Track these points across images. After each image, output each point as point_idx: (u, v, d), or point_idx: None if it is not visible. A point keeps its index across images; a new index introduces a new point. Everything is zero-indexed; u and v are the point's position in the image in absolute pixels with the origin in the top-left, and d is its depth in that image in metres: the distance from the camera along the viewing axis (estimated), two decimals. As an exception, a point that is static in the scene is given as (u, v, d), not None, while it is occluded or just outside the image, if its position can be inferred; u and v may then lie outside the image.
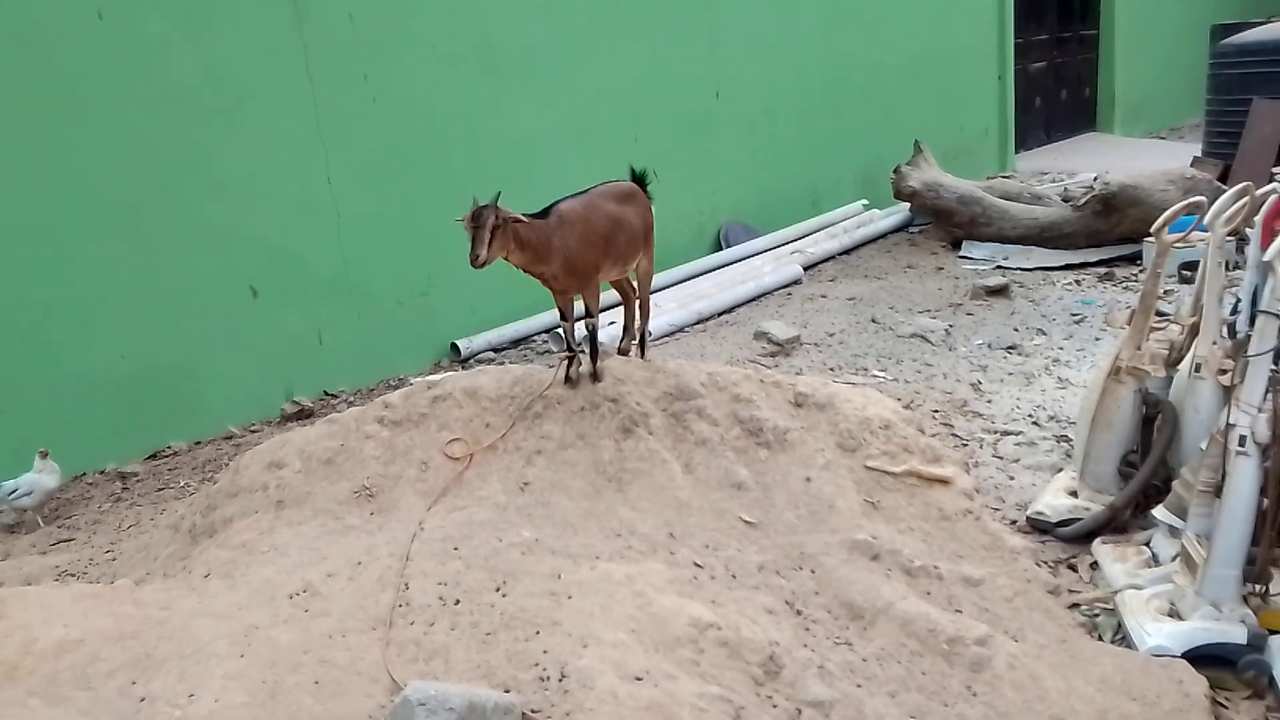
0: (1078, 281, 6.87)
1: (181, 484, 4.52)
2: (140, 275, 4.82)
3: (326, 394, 5.55)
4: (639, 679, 2.44)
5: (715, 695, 2.45)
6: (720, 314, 6.71)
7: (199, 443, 5.05)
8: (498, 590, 2.88)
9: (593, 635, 2.61)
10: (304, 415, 5.23)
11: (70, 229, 4.58)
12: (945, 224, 8.12)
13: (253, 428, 5.21)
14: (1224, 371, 3.06)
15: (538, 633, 2.65)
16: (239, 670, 2.55)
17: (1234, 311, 3.22)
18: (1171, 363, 3.52)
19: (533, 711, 2.37)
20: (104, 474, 4.70)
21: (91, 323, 4.69)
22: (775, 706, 2.55)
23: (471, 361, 5.95)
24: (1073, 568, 3.38)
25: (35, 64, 4.43)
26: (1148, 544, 3.29)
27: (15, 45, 4.37)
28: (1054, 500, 3.67)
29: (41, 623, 2.78)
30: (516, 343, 6.33)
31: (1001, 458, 4.21)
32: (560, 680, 2.45)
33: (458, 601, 2.84)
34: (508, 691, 2.43)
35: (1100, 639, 2.98)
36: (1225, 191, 3.42)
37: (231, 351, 5.19)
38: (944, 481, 3.64)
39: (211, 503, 3.60)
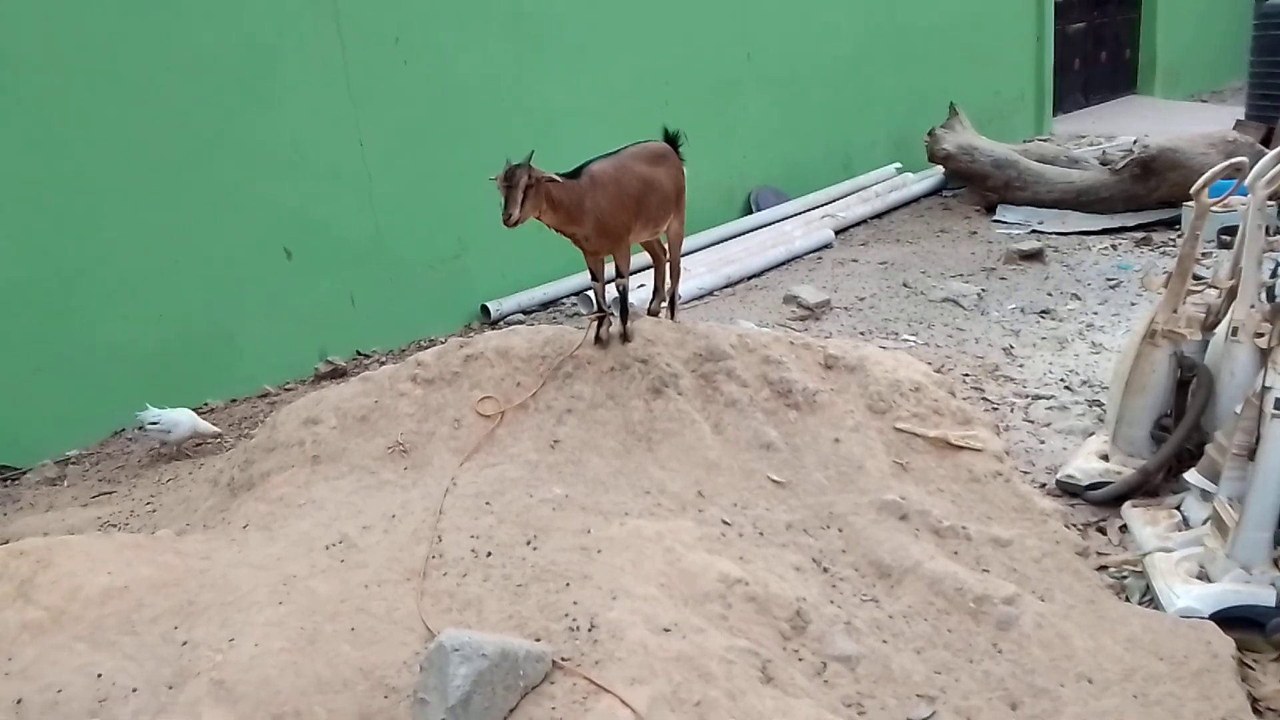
0: (1114, 246, 6.78)
1: (218, 440, 4.61)
2: (176, 239, 4.89)
3: (359, 354, 5.62)
4: (668, 631, 2.48)
5: (743, 648, 2.48)
6: (750, 278, 6.70)
7: (235, 400, 5.14)
8: (529, 544, 2.93)
9: (623, 589, 2.65)
10: (337, 374, 5.30)
11: (108, 195, 4.64)
12: (980, 188, 8.02)
13: (287, 386, 5.29)
14: (1261, 335, 3.03)
15: (568, 585, 2.70)
16: (278, 618, 2.61)
17: (1273, 275, 3.18)
18: (1208, 326, 3.48)
19: (563, 660, 2.42)
20: (143, 430, 4.79)
21: (129, 285, 4.76)
22: (802, 660, 2.59)
23: (502, 324, 5.99)
24: (1102, 530, 3.38)
25: (69, 33, 4.47)
26: (1179, 508, 3.28)
27: (49, 14, 4.41)
28: (1085, 464, 3.66)
29: (87, 571, 2.86)
30: (546, 305, 6.37)
31: (1032, 421, 4.20)
32: (590, 631, 2.49)
33: (490, 554, 2.89)
34: (539, 641, 2.48)
35: (1128, 600, 2.99)
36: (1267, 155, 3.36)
37: (266, 313, 5.25)
38: (974, 450, 3.63)
39: (249, 457, 3.67)
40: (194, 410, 4.79)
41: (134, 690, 2.42)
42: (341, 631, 2.57)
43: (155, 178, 4.79)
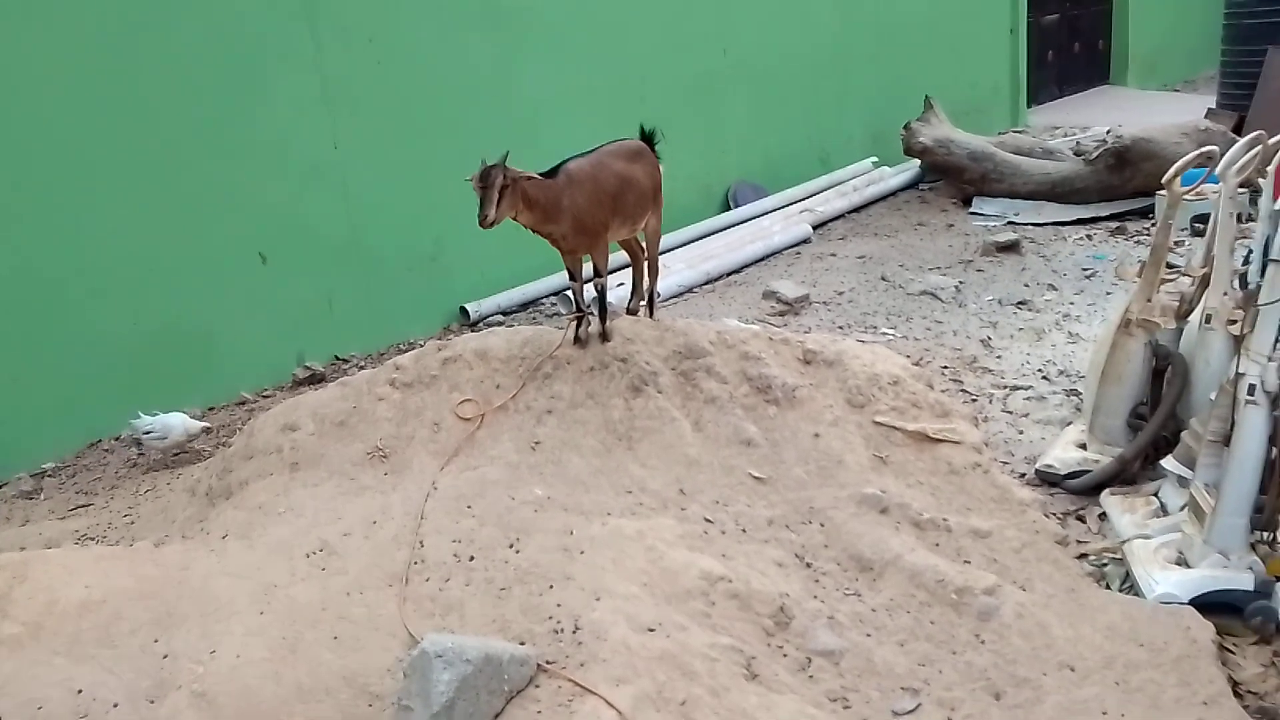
0: (1089, 236, 6.83)
1: (196, 448, 4.57)
2: (150, 243, 4.84)
3: (337, 358, 5.59)
4: (651, 630, 2.48)
5: (726, 645, 2.49)
6: (729, 274, 6.69)
7: (212, 408, 5.09)
8: (511, 546, 2.92)
9: (605, 589, 2.65)
10: (315, 379, 5.26)
11: (81, 198, 4.59)
12: (956, 181, 8.06)
13: (265, 392, 5.25)
14: (1234, 322, 3.05)
15: (551, 587, 2.70)
16: (259, 627, 2.60)
17: (1245, 262, 3.20)
18: (1182, 315, 3.51)
19: (548, 663, 2.41)
20: (119, 440, 4.75)
21: (103, 291, 4.71)
22: (786, 656, 2.59)
23: (481, 325, 5.97)
24: (1081, 519, 3.40)
25: (45, 32, 4.41)
26: (1156, 495, 3.31)
27: (23, 16, 4.35)
28: (1063, 453, 3.68)
29: (64, 583, 2.83)
30: (525, 305, 6.35)
31: (1011, 412, 4.22)
32: (574, 632, 2.49)
33: (472, 558, 2.88)
34: (523, 644, 2.48)
35: (1108, 588, 3.01)
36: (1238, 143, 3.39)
37: (243, 317, 5.21)
38: (953, 443, 3.65)
39: (227, 465, 3.65)
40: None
41: (114, 705, 2.40)
42: (323, 639, 2.56)
43: (129, 180, 4.73)
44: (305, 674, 2.44)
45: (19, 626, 2.67)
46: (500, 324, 5.90)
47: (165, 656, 2.55)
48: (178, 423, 4.36)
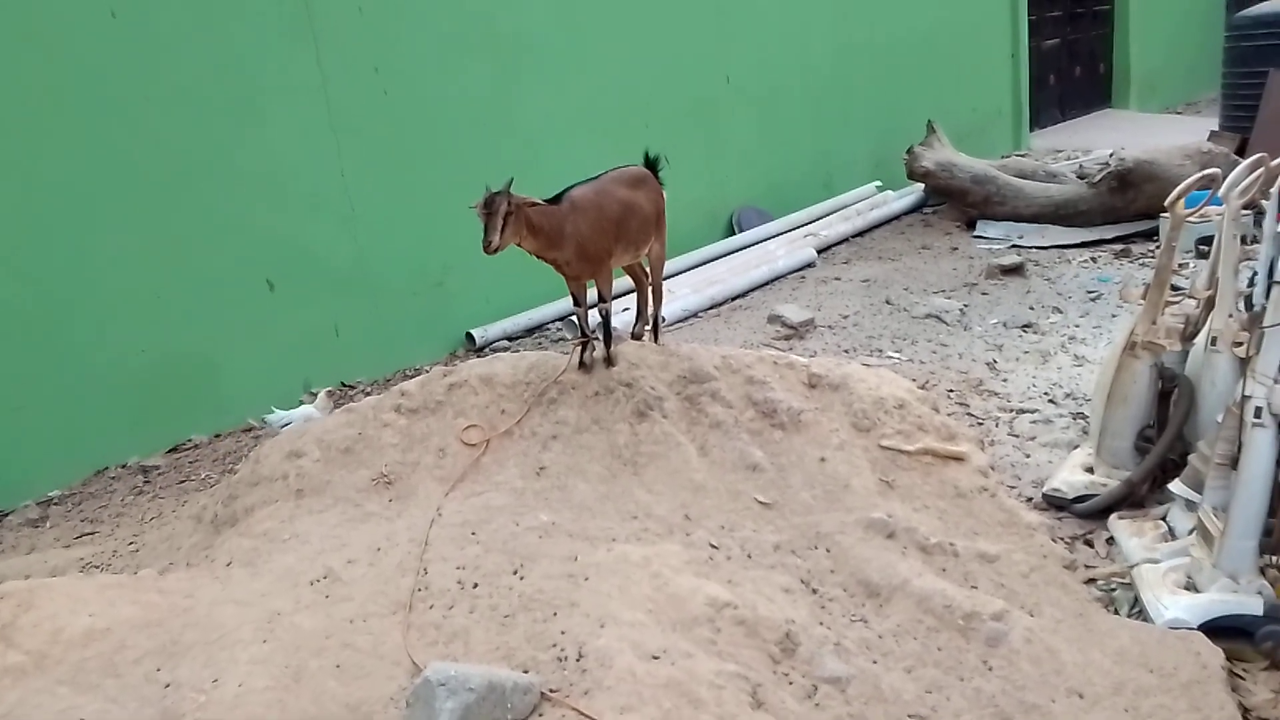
0: (1094, 259, 6.83)
1: (202, 476, 4.58)
2: (157, 271, 4.87)
3: (344, 385, 5.60)
4: (656, 657, 2.46)
5: (733, 673, 2.47)
6: (734, 298, 6.71)
7: (219, 435, 5.10)
8: (516, 573, 2.91)
9: (610, 616, 2.63)
10: (322, 406, 5.27)
11: (87, 226, 4.63)
12: (959, 204, 8.08)
13: (272, 419, 5.26)
14: (1239, 344, 3.04)
15: (556, 614, 2.68)
16: (263, 655, 2.59)
17: (1250, 284, 3.20)
18: (1187, 337, 3.50)
19: (552, 691, 2.40)
20: (126, 468, 4.77)
21: (110, 318, 4.74)
22: (792, 683, 2.57)
23: (486, 350, 5.98)
24: (1089, 543, 3.38)
25: (49, 63, 4.47)
26: (1164, 518, 3.29)
27: (29, 44, 4.41)
28: (1070, 476, 3.66)
29: (68, 612, 2.83)
30: (530, 331, 6.36)
31: (1017, 436, 4.20)
32: (579, 660, 2.47)
33: (476, 585, 2.87)
34: (527, 672, 2.46)
35: (1117, 613, 2.99)
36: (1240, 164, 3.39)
37: (249, 344, 5.23)
38: (958, 458, 3.64)
39: (232, 493, 3.64)
40: (176, 447, 4.79)
41: (117, 733, 2.38)
42: (327, 667, 2.54)
43: (136, 209, 4.77)
44: (309, 703, 2.42)
45: (23, 655, 2.66)
46: (505, 349, 5.92)
47: (169, 686, 2.54)
48: (315, 415, 4.37)
